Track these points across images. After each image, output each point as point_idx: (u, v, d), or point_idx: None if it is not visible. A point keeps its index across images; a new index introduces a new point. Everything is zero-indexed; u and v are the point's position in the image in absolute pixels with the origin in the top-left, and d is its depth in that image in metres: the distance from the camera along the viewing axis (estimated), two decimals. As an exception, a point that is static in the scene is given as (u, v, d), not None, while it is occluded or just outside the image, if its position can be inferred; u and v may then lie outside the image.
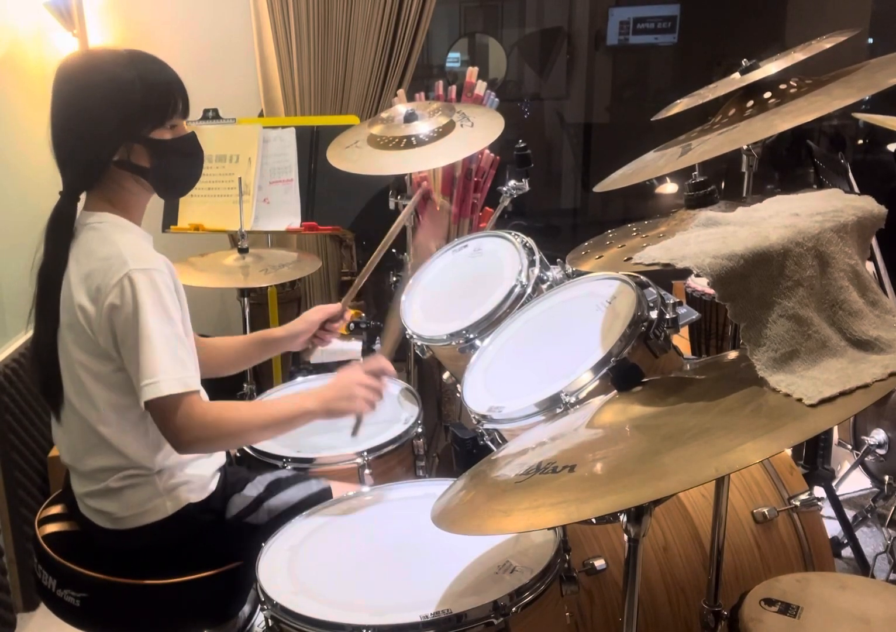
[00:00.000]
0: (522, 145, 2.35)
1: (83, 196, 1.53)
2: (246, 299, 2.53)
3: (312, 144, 2.72)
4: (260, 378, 2.90)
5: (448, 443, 2.38)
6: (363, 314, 2.68)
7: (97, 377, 1.46)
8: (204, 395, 1.49)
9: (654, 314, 1.53)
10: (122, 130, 1.46)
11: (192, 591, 1.52)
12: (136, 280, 1.39)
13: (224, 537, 1.56)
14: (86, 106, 1.46)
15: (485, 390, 1.67)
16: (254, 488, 1.64)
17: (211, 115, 2.76)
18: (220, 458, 1.66)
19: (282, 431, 1.57)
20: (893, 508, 2.42)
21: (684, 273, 1.46)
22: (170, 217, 2.75)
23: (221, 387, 1.91)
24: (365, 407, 1.60)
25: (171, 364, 1.39)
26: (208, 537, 1.55)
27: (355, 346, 2.56)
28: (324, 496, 1.63)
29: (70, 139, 1.48)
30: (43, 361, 1.52)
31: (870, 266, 2.39)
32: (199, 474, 1.57)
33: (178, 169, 1.55)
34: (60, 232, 1.49)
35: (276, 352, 1.98)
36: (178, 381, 1.39)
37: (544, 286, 1.84)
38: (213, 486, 1.60)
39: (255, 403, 1.52)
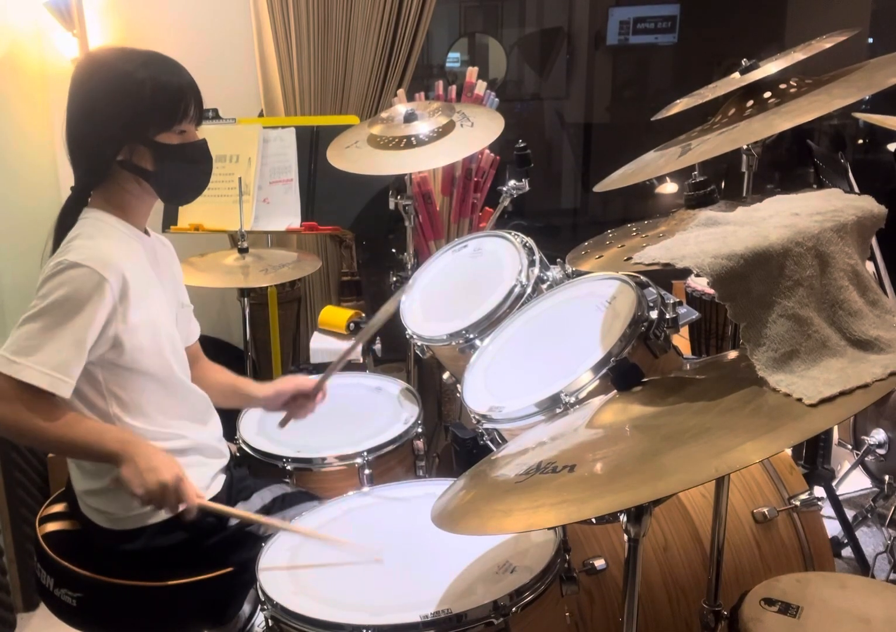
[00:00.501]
0: (522, 145, 2.35)
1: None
2: (246, 299, 2.53)
3: (312, 144, 2.72)
4: (260, 378, 2.90)
5: (448, 443, 2.38)
6: (363, 314, 2.68)
7: None
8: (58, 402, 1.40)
9: (654, 314, 1.53)
10: (127, 130, 1.46)
11: (189, 594, 1.52)
12: (63, 270, 1.37)
13: (224, 542, 1.56)
14: (95, 103, 1.46)
15: (485, 390, 1.67)
16: (259, 499, 1.64)
17: (211, 115, 2.75)
18: (221, 460, 1.66)
19: (74, 456, 1.50)
20: (893, 508, 2.42)
21: (684, 273, 1.46)
22: (170, 217, 2.75)
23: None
24: (143, 492, 1.36)
25: (28, 349, 1.34)
26: (208, 541, 1.55)
27: (355, 346, 2.55)
28: None
29: (79, 136, 1.49)
30: None
31: (870, 266, 2.39)
32: (199, 476, 1.57)
33: (182, 175, 1.53)
34: (65, 227, 1.49)
35: (252, 407, 1.92)
36: (18, 365, 1.33)
37: (544, 286, 1.84)
38: (215, 489, 1.60)
39: (71, 421, 1.40)
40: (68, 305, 1.36)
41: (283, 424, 1.77)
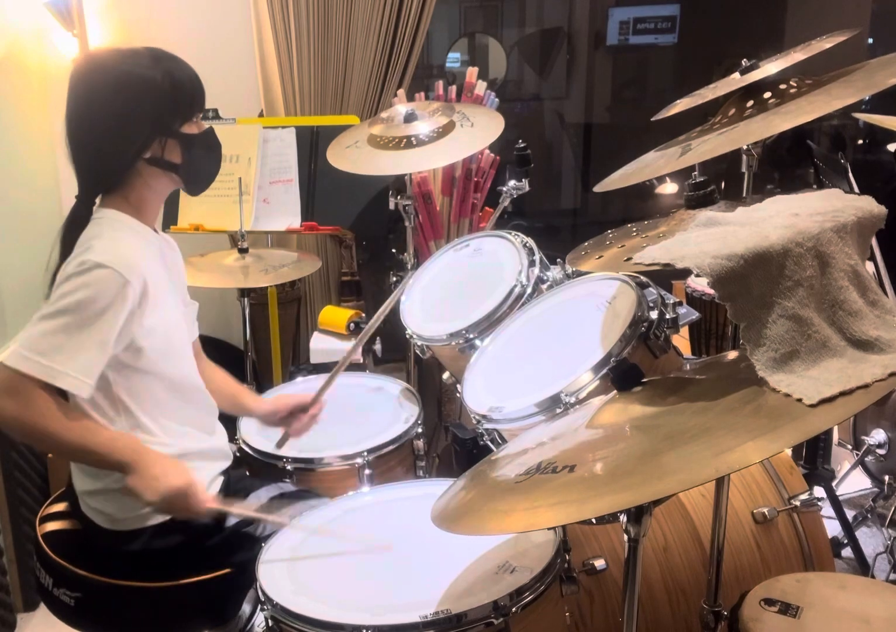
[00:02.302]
0: (522, 145, 2.35)
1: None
2: (246, 300, 2.53)
3: (312, 144, 2.72)
4: (260, 378, 2.90)
5: (448, 443, 2.38)
6: (363, 314, 2.68)
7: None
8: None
9: (654, 314, 1.53)
10: (154, 127, 1.47)
11: (188, 594, 1.52)
12: (87, 270, 1.36)
13: (222, 544, 1.56)
14: (112, 108, 1.45)
15: (485, 390, 1.67)
16: (256, 500, 1.64)
17: (211, 115, 2.75)
18: (222, 462, 1.66)
19: (80, 461, 1.50)
20: (893, 508, 2.42)
21: (684, 273, 1.46)
22: (170, 217, 2.75)
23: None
24: (158, 499, 1.37)
25: (51, 349, 1.33)
26: (207, 543, 1.55)
27: (355, 346, 2.55)
28: None
29: (95, 142, 1.47)
30: None
31: (870, 266, 2.39)
32: (199, 479, 1.56)
33: (205, 163, 1.57)
34: (77, 234, 1.47)
35: (246, 415, 1.89)
36: (43, 367, 1.33)
37: (544, 286, 1.84)
38: (213, 491, 1.59)
39: (86, 426, 1.41)
40: (92, 307, 1.36)
41: (280, 444, 1.78)
